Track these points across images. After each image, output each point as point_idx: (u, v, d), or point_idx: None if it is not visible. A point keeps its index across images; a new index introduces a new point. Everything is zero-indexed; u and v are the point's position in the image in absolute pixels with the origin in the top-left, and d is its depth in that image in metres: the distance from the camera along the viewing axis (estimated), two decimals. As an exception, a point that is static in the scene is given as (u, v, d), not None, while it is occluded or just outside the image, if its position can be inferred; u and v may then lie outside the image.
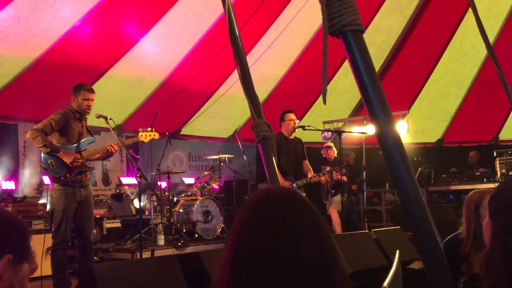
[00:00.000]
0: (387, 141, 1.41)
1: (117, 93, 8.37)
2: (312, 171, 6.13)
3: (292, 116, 6.10)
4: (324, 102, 1.48)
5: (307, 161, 6.23)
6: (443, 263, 1.49)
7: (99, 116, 4.75)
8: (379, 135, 1.42)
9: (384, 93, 1.45)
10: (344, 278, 1.04)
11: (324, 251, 1.02)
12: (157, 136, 5.60)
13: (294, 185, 5.88)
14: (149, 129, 5.51)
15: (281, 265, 0.98)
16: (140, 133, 5.45)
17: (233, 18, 2.94)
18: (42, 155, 4.55)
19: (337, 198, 8.21)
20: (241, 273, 1.01)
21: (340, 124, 10.33)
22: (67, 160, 4.43)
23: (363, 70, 1.44)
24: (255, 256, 1.00)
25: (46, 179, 7.21)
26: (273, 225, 1.02)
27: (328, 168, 8.03)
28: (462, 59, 10.23)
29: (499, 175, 8.28)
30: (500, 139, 11.33)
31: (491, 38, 8.51)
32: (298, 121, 6.24)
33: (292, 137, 6.14)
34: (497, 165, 8.45)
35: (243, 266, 1.01)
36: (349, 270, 3.85)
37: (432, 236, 1.47)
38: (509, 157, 8.31)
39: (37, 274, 4.88)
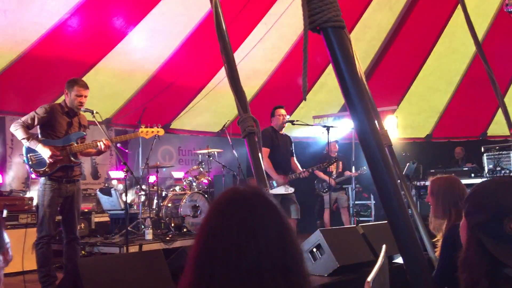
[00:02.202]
0: (366, 137, 1.41)
1: (106, 87, 8.31)
2: (299, 168, 6.14)
3: (282, 111, 6.12)
4: (304, 98, 1.48)
5: (294, 158, 6.25)
6: (422, 260, 1.50)
7: (85, 110, 4.71)
8: (359, 130, 1.43)
9: (364, 89, 1.45)
10: (305, 279, 1.05)
11: (287, 253, 1.03)
12: (162, 132, 5.40)
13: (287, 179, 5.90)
14: (154, 125, 5.32)
15: (242, 265, 0.99)
16: (140, 130, 5.28)
17: (220, 13, 2.93)
18: (24, 148, 4.52)
19: (343, 195, 8.32)
20: (204, 271, 1.01)
21: (330, 119, 10.36)
22: (45, 155, 4.39)
23: (343, 66, 1.44)
24: (218, 255, 1.01)
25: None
26: (236, 225, 1.02)
27: (335, 165, 8.16)
28: (451, 55, 10.29)
29: (486, 171, 8.34)
30: (488, 134, 11.44)
31: (480, 35, 8.56)
32: (288, 117, 6.25)
33: (282, 132, 6.15)
34: (485, 161, 8.51)
35: (206, 265, 1.01)
36: (335, 265, 3.87)
37: (411, 233, 1.48)
38: (497, 153, 8.37)
39: (18, 269, 4.86)
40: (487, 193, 1.38)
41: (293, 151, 6.26)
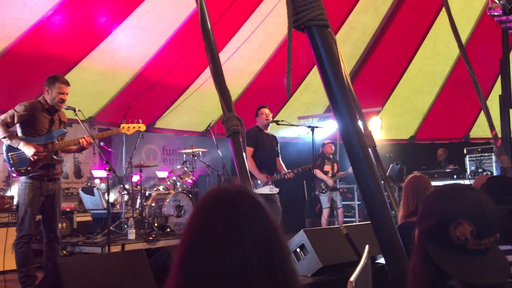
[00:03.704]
0: (349, 136, 1.41)
1: (89, 85, 8.23)
2: (284, 168, 6.12)
3: (265, 110, 6.09)
4: (288, 96, 1.47)
5: (280, 158, 6.23)
6: (403, 260, 1.50)
7: (67, 108, 4.64)
8: (341, 130, 1.42)
9: (348, 88, 1.45)
10: (292, 277, 1.04)
11: (273, 251, 1.01)
12: (143, 128, 5.37)
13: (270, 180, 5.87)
14: (135, 120, 5.31)
15: (228, 265, 0.97)
16: (122, 126, 5.25)
17: (205, 11, 2.91)
18: (4, 147, 4.42)
19: (338, 195, 8.36)
20: (189, 272, 1.00)
21: (315, 120, 10.39)
22: (28, 153, 4.31)
23: (327, 64, 1.44)
24: (202, 255, 0.99)
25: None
26: (221, 224, 1.01)
27: (331, 165, 8.20)
28: (436, 57, 10.39)
29: (468, 172, 8.44)
30: (470, 137, 11.57)
31: (464, 38, 8.66)
32: (271, 115, 6.23)
33: (267, 131, 6.12)
34: (467, 162, 8.62)
35: (191, 265, 1.00)
36: (319, 265, 3.87)
37: (393, 233, 1.48)
38: (479, 155, 8.49)
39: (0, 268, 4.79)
40: (436, 198, 1.31)
41: (279, 151, 6.24)
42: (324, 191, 8.29)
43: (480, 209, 1.24)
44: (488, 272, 1.22)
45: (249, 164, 5.62)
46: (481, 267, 1.22)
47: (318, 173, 8.24)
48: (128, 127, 5.26)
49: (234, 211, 1.03)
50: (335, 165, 8.69)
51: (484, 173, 8.09)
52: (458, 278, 1.22)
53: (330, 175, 8.39)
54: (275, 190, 5.86)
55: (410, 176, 3.35)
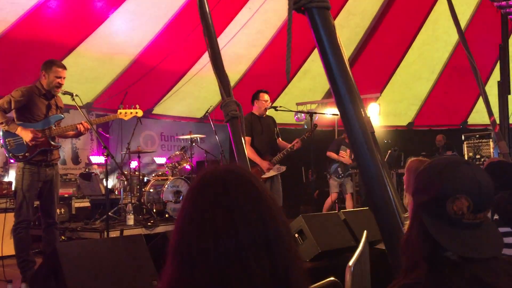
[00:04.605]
0: (349, 119, 1.40)
1: (87, 71, 8.18)
2: (287, 144, 6.07)
3: (267, 97, 6.00)
4: (288, 80, 1.45)
5: (280, 139, 6.18)
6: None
7: (65, 93, 4.60)
8: (342, 112, 1.41)
9: (348, 72, 1.43)
10: (291, 254, 1.00)
11: (267, 228, 0.98)
12: (140, 113, 5.34)
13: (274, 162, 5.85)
14: (132, 106, 5.28)
15: (221, 247, 0.94)
16: (119, 111, 5.21)
17: (203, -5, 2.88)
18: (1, 133, 4.39)
19: (349, 181, 8.31)
20: (184, 259, 0.97)
21: (313, 106, 10.36)
22: (26, 138, 4.28)
23: (328, 47, 1.42)
24: (194, 240, 0.97)
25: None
26: (210, 205, 0.98)
27: (348, 151, 8.11)
28: (434, 43, 10.34)
29: (466, 158, 8.46)
30: (468, 123, 11.57)
31: (463, 24, 8.61)
32: (270, 102, 6.19)
33: (264, 115, 6.05)
34: (465, 149, 8.63)
35: (185, 252, 0.97)
36: (317, 250, 3.88)
37: (393, 217, 1.48)
38: (476, 141, 8.50)
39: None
40: (433, 173, 1.32)
41: (278, 132, 6.18)
42: (340, 176, 8.19)
43: (477, 184, 1.25)
44: (483, 245, 1.24)
45: (249, 153, 5.62)
46: (476, 241, 1.24)
47: (332, 155, 8.15)
48: (125, 113, 5.23)
49: (223, 191, 1.00)
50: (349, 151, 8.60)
51: (482, 160, 8.10)
52: (454, 252, 1.24)
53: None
54: (282, 168, 5.86)
55: (415, 159, 3.32)
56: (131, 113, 5.26)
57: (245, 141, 5.63)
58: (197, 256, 0.95)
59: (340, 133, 9.37)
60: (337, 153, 8.18)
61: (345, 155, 8.22)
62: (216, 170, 1.05)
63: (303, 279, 1.01)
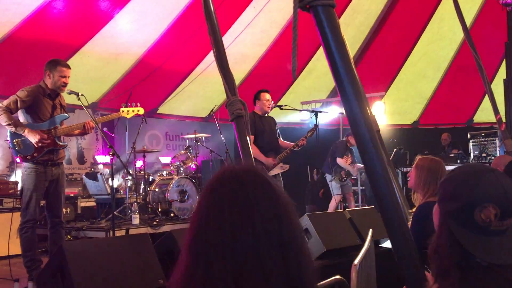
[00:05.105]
0: (355, 116, 1.39)
1: (92, 71, 8.20)
2: (290, 143, 6.12)
3: (268, 96, 6.02)
4: (294, 78, 1.45)
5: (281, 139, 6.21)
6: (410, 242, 1.49)
7: (70, 92, 4.61)
8: (347, 110, 1.41)
9: (354, 70, 1.43)
10: (304, 255, 1.02)
11: (283, 228, 1.00)
12: (142, 111, 5.41)
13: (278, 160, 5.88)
14: (133, 104, 5.35)
15: (237, 245, 0.96)
16: (121, 109, 5.27)
17: (208, -7, 2.88)
18: (8, 133, 4.40)
19: (349, 181, 8.33)
20: (200, 255, 0.99)
21: (318, 105, 10.35)
22: (33, 139, 4.30)
23: (333, 45, 1.42)
24: (212, 237, 0.98)
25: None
26: (228, 203, 1.00)
27: (350, 156, 8.14)
28: (440, 42, 10.31)
29: (472, 157, 8.42)
30: (474, 121, 11.53)
31: (468, 21, 8.57)
32: (273, 103, 6.20)
33: (266, 115, 6.07)
34: (471, 147, 8.60)
35: (201, 248, 0.99)
36: (322, 249, 3.88)
37: (399, 215, 1.48)
38: (482, 139, 8.46)
39: (5, 253, 4.81)
40: (460, 181, 1.34)
41: (279, 132, 6.22)
42: (343, 179, 8.22)
43: (503, 192, 1.28)
44: (510, 252, 1.27)
45: (253, 151, 5.64)
46: (504, 247, 1.27)
47: (341, 161, 8.16)
48: (128, 111, 5.30)
49: (241, 189, 1.02)
50: (351, 156, 8.60)
51: (488, 158, 8.06)
52: (484, 259, 1.27)
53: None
54: (286, 167, 5.89)
55: (426, 157, 3.35)
56: (133, 111, 5.34)
57: (250, 139, 5.67)
58: (213, 251, 0.97)
59: (345, 132, 9.35)
60: (342, 157, 8.19)
61: (348, 159, 8.26)
62: (233, 169, 1.08)
63: (314, 276, 1.04)
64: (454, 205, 1.31)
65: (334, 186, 8.27)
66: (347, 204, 8.46)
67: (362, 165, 8.38)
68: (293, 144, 5.98)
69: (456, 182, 1.35)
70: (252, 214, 0.99)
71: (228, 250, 0.96)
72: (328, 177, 8.30)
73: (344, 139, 8.52)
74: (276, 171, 5.80)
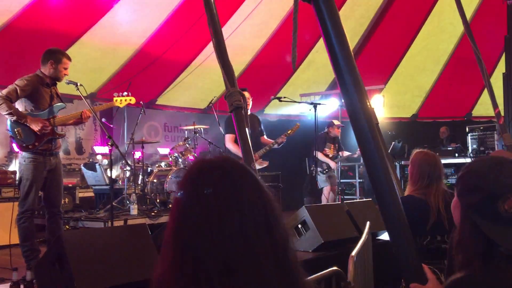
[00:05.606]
0: (355, 108, 1.39)
1: (90, 61, 8.17)
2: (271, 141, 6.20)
3: (247, 94, 6.07)
4: (294, 69, 1.45)
5: (265, 136, 6.28)
6: (407, 234, 1.50)
7: (69, 82, 4.61)
8: (347, 101, 1.41)
9: (354, 61, 1.43)
10: (287, 237, 1.04)
11: (267, 211, 1.02)
12: (133, 100, 5.50)
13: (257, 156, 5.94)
14: (125, 93, 5.41)
15: (226, 230, 0.97)
16: (115, 98, 5.35)
17: (208, -16, 2.87)
18: (8, 123, 4.37)
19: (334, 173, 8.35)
20: (186, 247, 0.98)
21: (317, 97, 10.34)
22: (35, 128, 4.29)
23: (333, 36, 1.41)
24: (198, 226, 0.97)
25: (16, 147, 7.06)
26: (212, 190, 1.00)
27: (332, 146, 8.15)
28: (439, 35, 10.28)
29: (470, 151, 8.44)
30: (473, 115, 11.54)
31: (468, 15, 8.55)
32: (251, 99, 6.23)
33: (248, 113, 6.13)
34: (469, 141, 8.61)
35: (188, 240, 0.98)
36: (320, 240, 3.90)
37: (397, 207, 1.48)
38: (481, 133, 8.46)
39: (6, 242, 4.81)
40: (480, 174, 1.37)
41: (263, 130, 6.26)
42: (325, 172, 8.26)
43: None
44: None
45: (234, 149, 5.79)
46: None
47: (320, 155, 8.18)
48: (121, 100, 5.38)
49: (224, 175, 1.02)
50: (337, 145, 8.60)
51: (486, 152, 8.07)
52: (509, 248, 1.30)
53: (330, 157, 8.32)
54: (265, 163, 5.96)
55: (421, 151, 3.36)
56: (125, 100, 5.41)
57: (230, 138, 5.81)
58: (201, 238, 0.97)
59: (344, 125, 9.35)
60: (322, 150, 8.20)
61: (329, 152, 8.26)
62: (209, 159, 1.08)
63: (297, 259, 1.05)
64: (476, 197, 1.34)
65: (320, 179, 8.31)
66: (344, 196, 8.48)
67: (349, 153, 8.44)
68: (273, 141, 6.04)
69: (476, 174, 1.38)
70: (239, 198, 1.00)
71: (216, 237, 0.96)
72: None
73: (325, 131, 8.52)
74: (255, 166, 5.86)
